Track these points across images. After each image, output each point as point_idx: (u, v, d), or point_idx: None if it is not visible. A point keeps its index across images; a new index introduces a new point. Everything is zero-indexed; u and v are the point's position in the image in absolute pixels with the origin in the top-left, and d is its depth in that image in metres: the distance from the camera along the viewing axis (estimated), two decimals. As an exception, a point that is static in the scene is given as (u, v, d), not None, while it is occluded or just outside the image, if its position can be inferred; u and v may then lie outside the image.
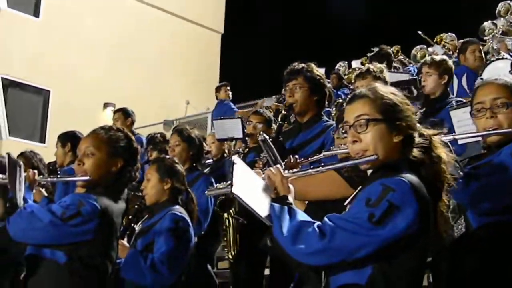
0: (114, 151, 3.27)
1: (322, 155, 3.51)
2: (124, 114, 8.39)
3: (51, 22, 17.55)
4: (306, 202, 3.54)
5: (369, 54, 11.34)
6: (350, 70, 12.05)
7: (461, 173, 2.73)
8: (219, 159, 7.06)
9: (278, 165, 2.50)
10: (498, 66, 7.31)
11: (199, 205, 4.88)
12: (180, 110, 17.98)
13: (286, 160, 3.54)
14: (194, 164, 5.47)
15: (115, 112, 8.74)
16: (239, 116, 8.38)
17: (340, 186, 3.16)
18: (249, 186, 2.40)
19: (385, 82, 4.80)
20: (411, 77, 6.45)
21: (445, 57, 5.95)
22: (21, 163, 3.15)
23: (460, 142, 3.45)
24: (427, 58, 6.51)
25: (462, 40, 9.48)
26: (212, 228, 5.33)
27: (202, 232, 5.19)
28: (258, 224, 2.47)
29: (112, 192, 3.24)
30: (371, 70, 4.90)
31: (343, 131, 2.49)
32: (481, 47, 7.85)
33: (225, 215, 5.13)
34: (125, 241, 4.26)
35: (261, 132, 3.82)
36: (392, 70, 8.34)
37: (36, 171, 3.44)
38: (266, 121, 6.33)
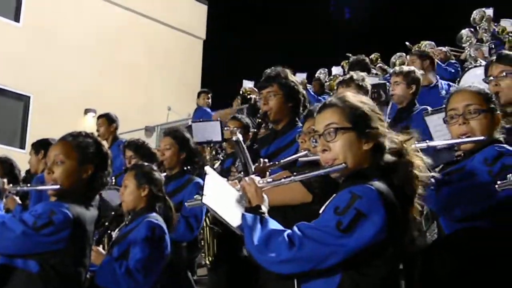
0: (84, 158, 3.20)
1: (291, 158, 3.52)
2: (108, 119, 8.19)
3: (31, 27, 17.45)
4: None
5: (344, 62, 11.45)
6: (332, 77, 12.07)
7: (432, 179, 2.75)
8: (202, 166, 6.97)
9: (253, 176, 2.51)
10: (476, 73, 7.39)
11: (191, 210, 4.82)
12: (161, 116, 17.90)
13: (256, 164, 3.54)
14: (185, 168, 5.27)
15: (98, 117, 8.50)
16: (218, 119, 8.30)
17: (299, 192, 3.17)
18: (221, 197, 2.41)
19: (367, 91, 4.83)
20: (380, 81, 6.49)
21: (413, 67, 6.01)
22: None
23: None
24: (396, 68, 6.59)
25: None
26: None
27: (192, 238, 5.07)
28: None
29: (84, 200, 3.19)
30: (354, 78, 4.93)
31: (314, 140, 2.49)
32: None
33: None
34: (100, 248, 4.23)
35: (237, 133, 3.80)
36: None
37: (5, 180, 3.38)
38: (244, 126, 6.33)
